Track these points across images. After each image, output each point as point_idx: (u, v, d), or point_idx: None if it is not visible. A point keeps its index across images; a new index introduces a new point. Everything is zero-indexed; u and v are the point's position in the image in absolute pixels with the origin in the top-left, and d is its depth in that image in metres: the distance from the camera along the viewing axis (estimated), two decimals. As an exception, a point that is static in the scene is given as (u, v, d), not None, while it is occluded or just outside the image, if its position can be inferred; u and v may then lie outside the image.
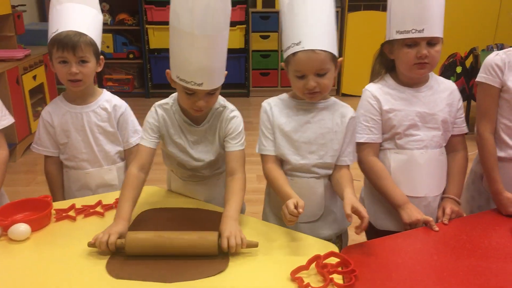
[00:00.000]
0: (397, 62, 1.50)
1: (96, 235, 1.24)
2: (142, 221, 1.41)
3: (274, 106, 1.45)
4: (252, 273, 1.18)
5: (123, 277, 1.14)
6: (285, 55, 1.37)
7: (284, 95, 1.47)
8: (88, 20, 1.63)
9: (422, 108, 1.49)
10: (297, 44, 1.31)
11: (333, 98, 1.46)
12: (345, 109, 1.45)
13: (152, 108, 1.48)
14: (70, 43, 1.55)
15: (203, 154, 1.49)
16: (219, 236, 1.23)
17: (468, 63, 3.98)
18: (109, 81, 5.22)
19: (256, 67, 5.28)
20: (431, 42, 1.42)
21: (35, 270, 1.19)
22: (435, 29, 1.41)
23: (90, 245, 1.24)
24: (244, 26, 5.06)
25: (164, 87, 5.17)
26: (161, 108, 1.47)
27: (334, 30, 1.36)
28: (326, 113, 1.42)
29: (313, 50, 1.30)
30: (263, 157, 1.45)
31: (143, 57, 5.15)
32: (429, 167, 1.50)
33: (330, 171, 1.45)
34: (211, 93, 1.36)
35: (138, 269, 1.17)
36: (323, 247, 1.26)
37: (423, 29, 1.39)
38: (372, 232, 1.58)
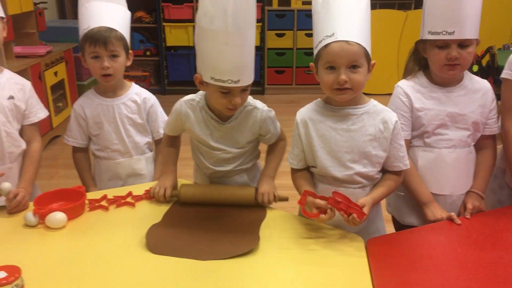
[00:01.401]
0: (429, 61, 1.50)
1: (153, 188, 1.51)
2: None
3: (308, 118, 1.38)
4: (279, 255, 1.23)
5: (160, 253, 1.22)
6: (316, 50, 1.32)
7: (319, 101, 1.40)
8: (117, 16, 1.70)
9: (453, 109, 1.48)
10: (330, 36, 1.26)
11: (372, 101, 1.37)
12: (388, 113, 1.35)
13: (178, 104, 1.52)
14: (102, 38, 1.60)
15: (227, 148, 1.52)
16: (256, 190, 1.48)
17: (484, 61, 3.98)
18: (126, 78, 5.19)
19: (271, 65, 5.31)
20: (463, 44, 1.41)
21: (71, 255, 1.23)
22: (467, 31, 1.39)
23: (150, 196, 1.51)
24: (260, 24, 5.09)
25: (180, 84, 5.22)
26: (187, 104, 1.51)
27: (369, 28, 1.30)
28: (367, 118, 1.34)
29: (346, 41, 1.25)
30: (291, 168, 1.47)
31: (159, 54, 5.16)
32: (457, 166, 1.50)
33: (375, 181, 1.39)
34: (245, 90, 1.40)
35: (174, 247, 1.25)
36: (345, 235, 1.30)
37: (453, 32, 1.38)
38: (397, 226, 1.62)
